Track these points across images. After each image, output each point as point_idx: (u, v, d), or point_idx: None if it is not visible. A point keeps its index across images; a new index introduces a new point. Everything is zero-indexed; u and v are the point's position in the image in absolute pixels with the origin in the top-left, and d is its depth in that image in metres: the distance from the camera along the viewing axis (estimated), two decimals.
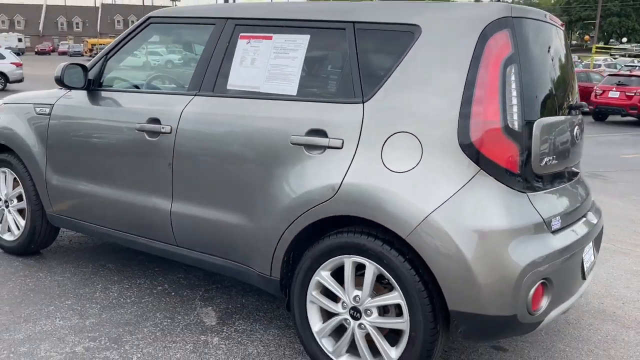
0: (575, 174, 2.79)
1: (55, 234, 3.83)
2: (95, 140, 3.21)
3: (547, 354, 2.88)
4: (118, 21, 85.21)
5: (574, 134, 2.65)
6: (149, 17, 3.26)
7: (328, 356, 2.46)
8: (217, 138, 2.73)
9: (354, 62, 2.48)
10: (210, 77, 2.86)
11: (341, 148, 2.39)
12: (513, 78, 2.22)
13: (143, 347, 2.68)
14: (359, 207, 2.29)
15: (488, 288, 2.09)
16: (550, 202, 2.38)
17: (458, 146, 2.20)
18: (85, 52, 61.47)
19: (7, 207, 3.80)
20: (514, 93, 2.21)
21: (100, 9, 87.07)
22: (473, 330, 2.19)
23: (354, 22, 2.52)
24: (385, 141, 2.32)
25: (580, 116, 2.90)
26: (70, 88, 3.26)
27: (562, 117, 2.53)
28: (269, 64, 2.70)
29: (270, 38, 2.73)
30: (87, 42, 63.42)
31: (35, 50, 70.89)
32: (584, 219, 2.65)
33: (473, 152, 2.19)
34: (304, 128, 2.49)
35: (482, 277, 2.09)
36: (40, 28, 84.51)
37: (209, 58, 2.88)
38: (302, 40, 2.64)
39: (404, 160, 2.26)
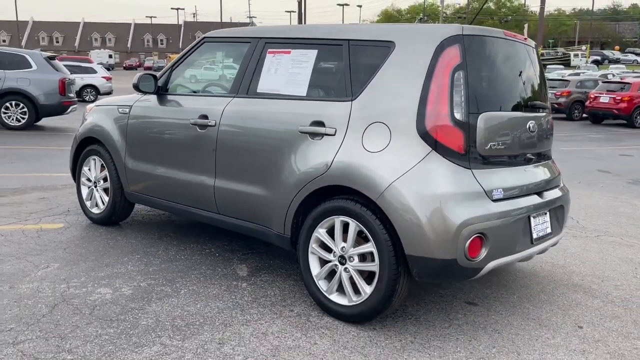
0: (533, 159, 3.39)
1: (131, 209, 4.82)
2: (161, 132, 4.15)
3: (511, 310, 3.48)
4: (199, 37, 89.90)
5: (529, 127, 3.28)
6: (204, 37, 4.19)
7: (323, 293, 3.22)
8: (248, 129, 3.58)
9: (347, 69, 3.25)
10: (245, 83, 3.72)
11: (334, 135, 3.17)
12: (460, 81, 2.91)
13: (189, 285, 3.55)
14: (344, 178, 3.05)
15: (433, 237, 2.79)
16: (495, 177, 3.03)
17: (416, 132, 2.92)
18: None
19: (95, 187, 4.84)
20: (461, 93, 2.90)
21: (182, 27, 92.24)
22: (424, 271, 2.88)
23: (349, 40, 3.30)
24: (365, 129, 3.07)
25: (546, 114, 3.52)
26: (144, 93, 4.24)
27: (514, 113, 3.18)
28: (287, 72, 3.53)
29: (289, 52, 3.56)
30: (170, 57, 67.36)
31: (124, 65, 76.11)
32: (535, 195, 3.27)
33: (427, 136, 2.90)
34: (309, 120, 3.29)
35: (428, 229, 2.79)
36: (129, 45, 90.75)
37: (245, 68, 3.74)
38: (311, 54, 3.44)
39: (377, 143, 3.01)
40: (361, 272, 3.10)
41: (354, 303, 3.09)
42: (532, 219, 3.21)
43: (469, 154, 2.94)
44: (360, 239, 3.10)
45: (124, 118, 4.48)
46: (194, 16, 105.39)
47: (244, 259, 4.12)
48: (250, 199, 3.56)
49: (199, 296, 3.39)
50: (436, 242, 2.79)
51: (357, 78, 3.21)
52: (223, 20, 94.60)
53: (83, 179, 4.95)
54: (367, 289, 3.04)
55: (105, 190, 4.76)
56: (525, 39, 3.49)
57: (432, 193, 2.82)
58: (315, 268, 3.27)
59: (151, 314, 3.12)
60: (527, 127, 3.28)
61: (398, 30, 3.18)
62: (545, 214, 3.37)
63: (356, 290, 3.11)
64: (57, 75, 12.28)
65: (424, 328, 3.14)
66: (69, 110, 12.41)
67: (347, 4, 63.25)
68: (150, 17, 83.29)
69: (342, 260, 3.13)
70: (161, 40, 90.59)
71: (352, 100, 3.18)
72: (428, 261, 2.83)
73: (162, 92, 4.26)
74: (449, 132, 2.89)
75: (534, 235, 3.22)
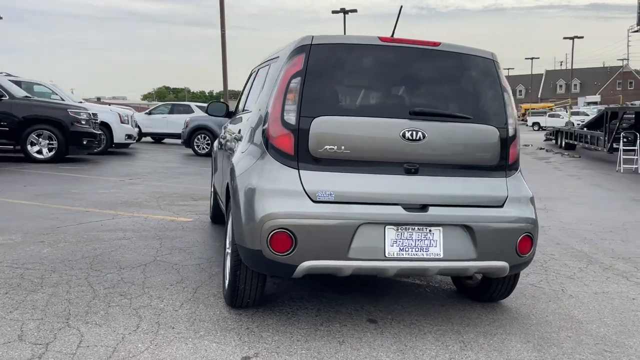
0: (413, 170, 3.10)
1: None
2: (219, 145, 5.21)
3: (412, 332, 3.19)
4: (560, 85, 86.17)
5: (404, 134, 3.07)
6: (253, 69, 5.08)
7: (224, 279, 3.67)
8: (227, 139, 4.33)
9: (264, 83, 3.70)
10: (243, 102, 4.48)
11: (240, 140, 3.66)
12: (296, 87, 3.07)
13: (175, 266, 4.44)
14: (230, 178, 3.52)
15: (245, 228, 3.03)
16: (329, 180, 3.01)
17: (261, 135, 3.20)
18: (518, 117, 65.02)
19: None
20: (294, 97, 3.06)
21: (543, 76, 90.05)
22: (245, 259, 3.10)
23: (274, 58, 3.74)
24: (247, 134, 3.49)
25: (458, 123, 3.18)
26: (212, 115, 5.37)
27: (368, 119, 3.08)
28: (253, 89, 4.15)
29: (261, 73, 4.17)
30: (520, 107, 66.95)
31: None
32: (399, 206, 3.02)
33: (265, 138, 3.15)
34: (238, 129, 3.85)
35: (243, 220, 3.05)
36: None
37: (247, 88, 4.51)
38: (265, 72, 3.98)
39: (245, 145, 3.41)
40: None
41: (225, 289, 3.48)
42: (388, 230, 2.99)
43: (298, 156, 3.04)
44: None
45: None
46: (561, 64, 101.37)
47: None
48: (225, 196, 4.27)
49: (167, 272, 4.25)
50: (246, 232, 3.03)
51: (265, 90, 3.63)
52: (594, 66, 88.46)
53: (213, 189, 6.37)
54: (227, 277, 3.41)
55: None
56: (436, 43, 3.24)
57: (251, 188, 3.07)
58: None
59: (110, 272, 4.12)
60: (401, 134, 3.07)
61: (285, 45, 3.49)
62: (429, 230, 3.04)
63: None
64: None
65: (286, 325, 3.25)
66: None
67: None
68: (507, 69, 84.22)
69: (226, 252, 3.57)
70: (520, 90, 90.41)
71: (252, 112, 3.63)
72: (244, 250, 3.07)
73: (233, 115, 5.31)
74: (280, 134, 3.08)
75: (391, 249, 2.98)
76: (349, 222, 2.97)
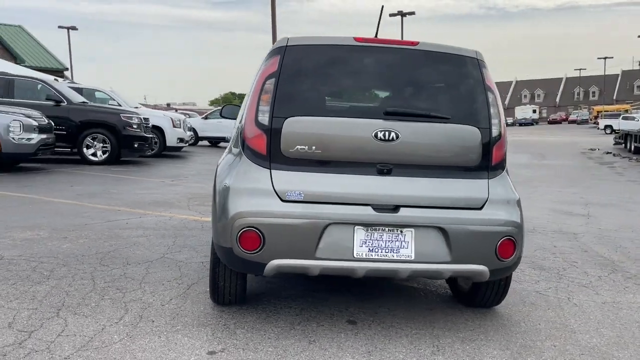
0: (386, 170, 3.06)
1: None
2: None
3: (388, 334, 3.16)
4: (638, 86, 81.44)
5: (376, 135, 3.04)
6: None
7: None
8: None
9: None
10: None
11: (229, 142, 3.75)
12: (270, 88, 3.11)
13: (177, 263, 4.58)
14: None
15: (219, 225, 3.10)
16: (299, 180, 3.03)
17: (239, 135, 3.27)
18: (590, 120, 62.08)
19: None
20: (268, 98, 3.11)
21: (619, 76, 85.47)
22: (220, 256, 3.17)
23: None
24: (233, 137, 3.56)
25: (431, 124, 3.13)
26: (226, 118, 5.49)
27: (338, 119, 3.08)
28: None
29: None
30: (593, 109, 63.90)
31: (548, 119, 76.03)
32: (368, 207, 2.99)
33: (241, 139, 3.22)
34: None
35: (217, 218, 3.12)
36: (557, 99, 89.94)
37: None
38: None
39: (229, 147, 3.48)
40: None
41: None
42: (358, 230, 2.98)
43: (270, 156, 3.08)
44: None
45: None
46: (639, 64, 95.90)
47: None
48: None
49: (169, 269, 4.40)
50: (219, 230, 3.10)
51: (248, 92, 3.70)
52: None
53: None
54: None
55: None
56: (413, 43, 3.19)
57: (225, 187, 3.14)
58: None
59: (116, 267, 4.32)
60: (373, 135, 3.05)
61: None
62: (400, 231, 3.00)
63: None
64: None
65: (263, 323, 3.30)
66: None
67: None
68: (579, 69, 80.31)
69: None
70: (593, 92, 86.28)
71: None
72: (219, 248, 3.15)
73: None
74: (253, 134, 3.14)
75: (360, 249, 2.97)
76: (316, 221, 2.97)
